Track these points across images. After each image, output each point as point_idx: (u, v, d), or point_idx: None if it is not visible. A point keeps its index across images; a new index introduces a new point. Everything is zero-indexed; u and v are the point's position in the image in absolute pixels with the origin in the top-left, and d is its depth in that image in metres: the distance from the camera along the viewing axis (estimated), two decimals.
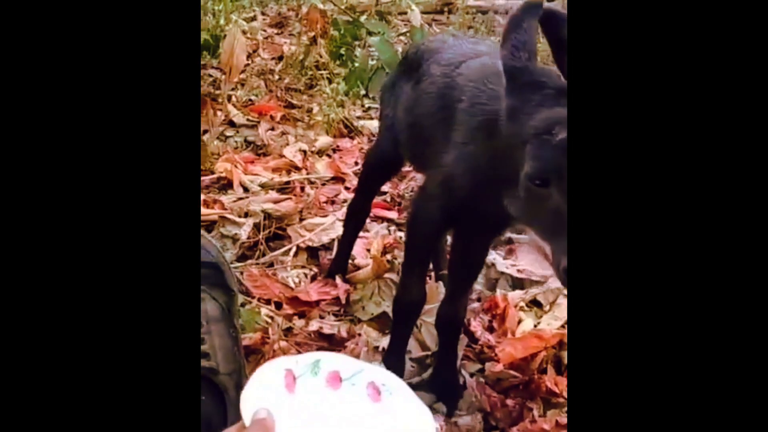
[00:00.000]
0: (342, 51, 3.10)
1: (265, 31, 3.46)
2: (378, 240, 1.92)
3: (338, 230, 1.87)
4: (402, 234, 1.96)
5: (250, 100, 2.69)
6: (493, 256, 1.92)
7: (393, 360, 1.37)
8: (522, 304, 1.72)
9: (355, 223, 1.73)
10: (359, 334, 1.52)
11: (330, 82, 2.82)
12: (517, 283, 1.82)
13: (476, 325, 1.59)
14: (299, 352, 1.40)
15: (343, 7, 3.19)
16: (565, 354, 1.53)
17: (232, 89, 2.68)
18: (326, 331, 1.49)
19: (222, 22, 2.92)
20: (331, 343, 1.47)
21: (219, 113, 2.45)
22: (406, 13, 3.38)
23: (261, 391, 0.75)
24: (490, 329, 1.64)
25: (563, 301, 1.69)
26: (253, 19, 3.52)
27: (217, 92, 2.61)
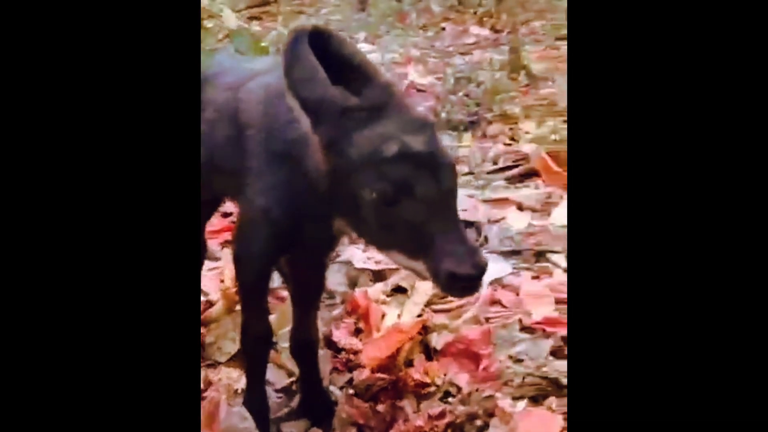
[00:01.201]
0: None
1: None
2: (230, 267, 1.83)
3: None
4: None
5: None
6: (351, 252, 1.89)
7: (253, 401, 1.30)
8: (383, 297, 1.69)
9: None
10: (219, 379, 1.44)
11: None
12: (378, 275, 1.80)
13: (339, 334, 1.55)
14: None
15: None
16: (431, 337, 1.53)
17: None
18: None
19: None
20: None
21: None
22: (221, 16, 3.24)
23: None
24: (358, 331, 1.61)
25: (421, 285, 1.69)
26: None
27: None
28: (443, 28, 4.10)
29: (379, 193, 0.91)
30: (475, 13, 4.31)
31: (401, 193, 0.90)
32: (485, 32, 4.02)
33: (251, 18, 4.22)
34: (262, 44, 3.00)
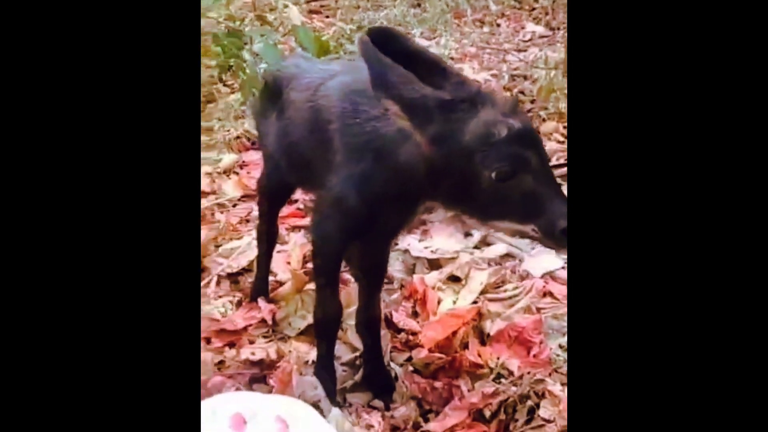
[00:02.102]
0: (231, 62, 3.08)
1: None
2: (297, 250, 1.96)
3: (256, 250, 1.90)
4: None
5: None
6: (408, 241, 2.00)
7: (323, 372, 1.43)
8: (439, 284, 1.80)
9: (265, 244, 1.77)
10: (290, 351, 1.57)
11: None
12: (433, 264, 1.91)
13: (399, 316, 1.67)
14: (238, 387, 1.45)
15: (221, 19, 3.15)
16: (485, 324, 1.63)
17: None
18: (256, 357, 1.53)
19: None
20: (262, 368, 1.52)
21: None
22: (285, 12, 3.36)
23: None
24: (415, 314, 1.72)
25: (475, 274, 1.79)
26: None
27: None
28: (498, 25, 4.15)
29: (499, 172, 1.04)
30: (532, 10, 4.34)
31: (517, 168, 1.04)
32: (540, 29, 4.05)
33: (311, 12, 4.34)
34: (323, 38, 3.13)
